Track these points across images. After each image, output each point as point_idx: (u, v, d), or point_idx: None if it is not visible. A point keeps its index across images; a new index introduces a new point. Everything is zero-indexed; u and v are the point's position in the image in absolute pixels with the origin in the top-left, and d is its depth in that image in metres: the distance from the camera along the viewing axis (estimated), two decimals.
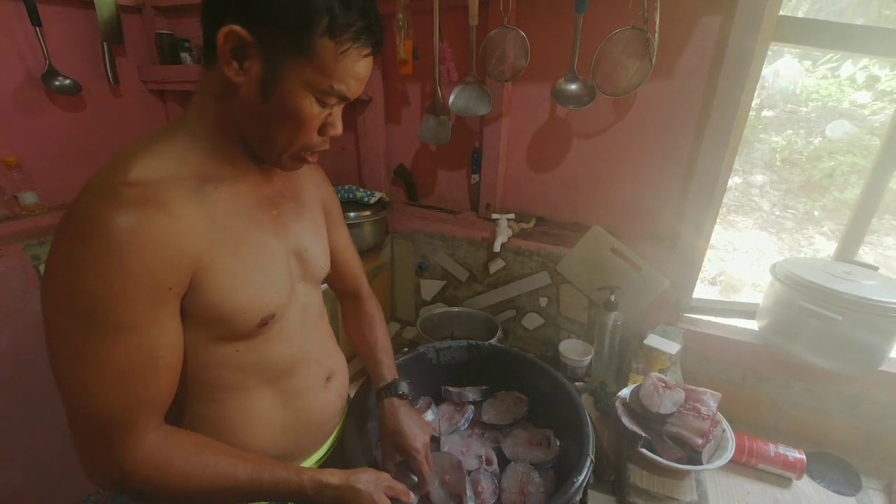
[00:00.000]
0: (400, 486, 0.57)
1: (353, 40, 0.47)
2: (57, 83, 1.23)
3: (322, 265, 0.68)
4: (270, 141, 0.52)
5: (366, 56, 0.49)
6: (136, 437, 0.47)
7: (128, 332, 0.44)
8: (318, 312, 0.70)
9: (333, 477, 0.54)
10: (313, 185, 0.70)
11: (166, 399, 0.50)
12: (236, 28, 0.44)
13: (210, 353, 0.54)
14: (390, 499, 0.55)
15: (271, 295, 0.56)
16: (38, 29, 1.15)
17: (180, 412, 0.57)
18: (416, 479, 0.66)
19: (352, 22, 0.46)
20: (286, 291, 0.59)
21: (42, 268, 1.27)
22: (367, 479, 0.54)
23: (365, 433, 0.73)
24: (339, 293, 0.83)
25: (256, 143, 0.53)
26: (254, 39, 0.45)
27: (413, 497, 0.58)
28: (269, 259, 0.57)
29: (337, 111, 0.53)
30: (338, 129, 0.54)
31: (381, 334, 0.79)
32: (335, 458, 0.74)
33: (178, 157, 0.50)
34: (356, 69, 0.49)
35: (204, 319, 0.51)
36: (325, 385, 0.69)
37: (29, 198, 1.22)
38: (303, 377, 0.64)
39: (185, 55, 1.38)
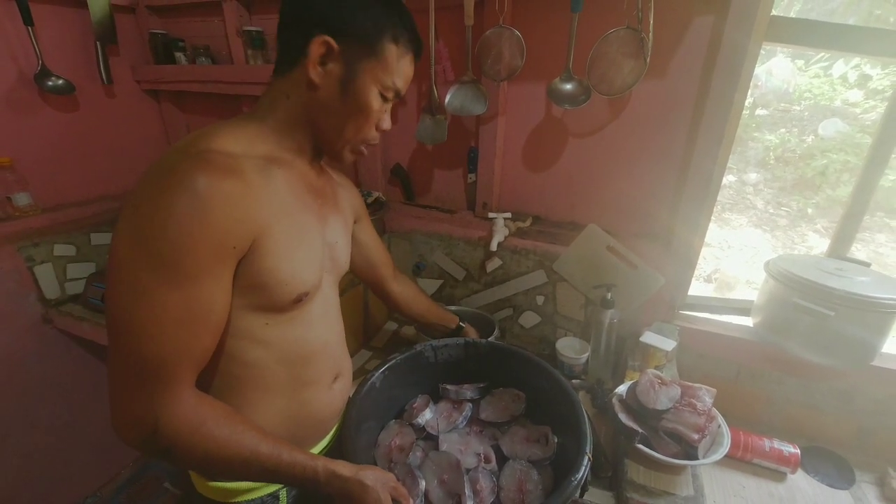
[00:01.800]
0: (403, 490, 0.59)
1: (408, 45, 0.59)
2: (50, 83, 1.22)
3: (345, 262, 0.73)
4: (340, 132, 0.60)
5: (411, 60, 0.61)
6: (175, 389, 0.49)
7: (192, 282, 0.47)
8: (338, 310, 0.74)
9: (345, 469, 0.56)
10: (349, 196, 0.79)
11: (206, 357, 0.52)
12: (328, 38, 0.54)
13: (241, 321, 0.56)
14: (393, 499, 0.57)
15: (309, 273, 0.60)
16: (30, 28, 1.14)
17: None
18: (420, 480, 0.67)
19: (408, 31, 0.59)
20: (318, 275, 0.63)
21: (36, 269, 1.26)
22: (375, 477, 0.57)
23: (364, 432, 0.73)
24: (374, 280, 0.91)
25: (327, 133, 0.61)
26: (339, 48, 0.55)
27: (412, 502, 0.59)
28: (311, 240, 0.61)
29: (387, 110, 0.63)
30: (387, 124, 0.64)
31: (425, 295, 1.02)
32: (333, 455, 0.74)
33: (249, 140, 0.57)
34: (407, 69, 0.61)
35: (249, 285, 0.54)
36: (331, 384, 0.70)
37: (22, 199, 1.21)
38: (315, 369, 0.66)
39: (179, 55, 1.38)
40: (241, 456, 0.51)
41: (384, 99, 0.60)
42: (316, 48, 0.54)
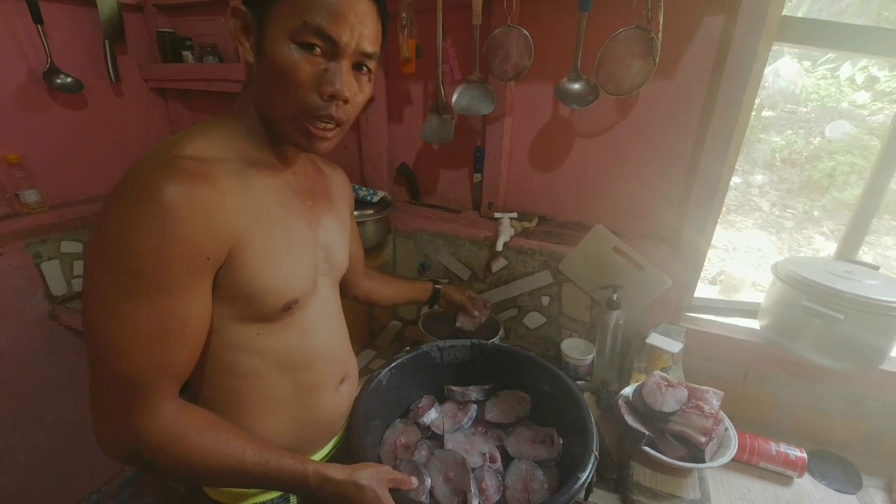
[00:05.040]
0: (401, 476, 0.57)
1: None
2: (59, 81, 1.23)
3: (342, 262, 0.71)
4: (272, 107, 0.51)
5: None
6: (154, 403, 0.47)
7: (163, 295, 0.45)
8: (338, 311, 0.72)
9: (337, 472, 0.54)
10: (343, 188, 0.75)
11: (186, 370, 0.50)
12: (237, 5, 0.48)
13: (232, 332, 0.55)
14: (394, 489, 0.56)
15: (297, 280, 0.58)
16: (39, 27, 1.15)
17: (192, 395, 0.58)
18: (426, 478, 0.66)
19: None
20: (310, 280, 0.61)
21: (44, 266, 1.27)
22: (370, 475, 0.55)
23: (370, 430, 0.73)
24: (346, 277, 0.84)
25: (266, 115, 0.53)
26: (249, 10, 0.49)
27: (415, 481, 0.58)
28: (299, 245, 0.59)
29: (335, 68, 0.49)
30: (335, 84, 0.49)
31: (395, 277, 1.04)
32: (340, 457, 0.74)
33: (225, 142, 0.53)
34: (328, 0, 0.46)
35: (232, 296, 0.52)
36: (338, 387, 0.70)
37: (30, 196, 1.22)
38: (319, 374, 0.65)
39: (186, 53, 1.38)
40: (225, 465, 0.50)
41: (305, 48, 0.47)
42: (231, 21, 0.49)
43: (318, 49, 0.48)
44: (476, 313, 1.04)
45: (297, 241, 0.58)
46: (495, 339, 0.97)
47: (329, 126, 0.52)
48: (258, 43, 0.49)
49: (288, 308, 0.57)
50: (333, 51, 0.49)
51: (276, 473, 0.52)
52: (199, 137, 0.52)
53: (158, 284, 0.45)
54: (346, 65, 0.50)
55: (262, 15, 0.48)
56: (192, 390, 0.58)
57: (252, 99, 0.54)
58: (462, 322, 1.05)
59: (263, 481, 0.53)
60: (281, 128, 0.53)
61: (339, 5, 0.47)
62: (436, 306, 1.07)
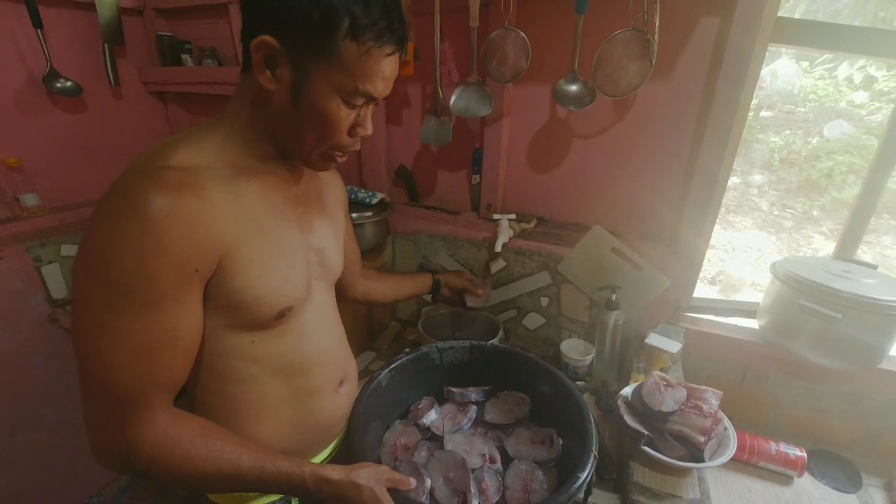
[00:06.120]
0: (399, 476, 0.57)
1: (375, 40, 0.48)
2: (58, 85, 1.24)
3: (337, 265, 0.70)
4: (301, 142, 0.55)
5: (389, 55, 0.50)
6: (146, 415, 0.47)
7: (152, 308, 0.45)
8: (335, 314, 0.72)
9: (334, 472, 0.54)
10: (336, 190, 0.74)
11: (179, 381, 0.50)
12: (266, 38, 0.47)
13: (226, 341, 0.55)
14: (392, 489, 0.55)
15: (290, 287, 0.57)
16: (39, 31, 1.15)
17: (190, 402, 0.58)
18: (426, 478, 0.66)
19: (374, 21, 0.47)
20: (304, 286, 0.61)
21: (44, 269, 1.27)
22: (368, 474, 0.55)
23: (370, 432, 0.73)
24: (344, 279, 0.83)
25: (288, 143, 0.56)
26: (282, 47, 0.47)
27: (413, 481, 0.58)
28: (291, 252, 0.58)
29: (366, 111, 0.55)
30: (367, 129, 0.56)
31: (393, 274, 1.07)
32: (340, 460, 0.74)
33: (215, 150, 0.53)
34: (381, 69, 0.50)
35: (224, 305, 0.52)
36: (337, 389, 0.70)
37: (30, 199, 1.22)
38: (317, 377, 0.65)
39: (185, 57, 1.39)
40: (221, 472, 0.50)
41: (350, 106, 0.52)
42: (256, 51, 0.48)
43: (359, 104, 0.53)
44: (480, 291, 1.07)
45: (289, 248, 0.58)
46: (494, 341, 0.97)
47: (346, 155, 0.58)
48: (297, 85, 0.49)
49: (282, 315, 0.57)
50: (369, 102, 0.54)
51: (273, 477, 0.52)
52: (186, 145, 0.51)
53: (147, 298, 0.44)
54: (372, 108, 0.56)
55: (305, 60, 0.48)
56: (189, 397, 0.58)
57: (265, 123, 0.54)
58: (472, 302, 1.07)
59: (260, 486, 0.52)
60: (304, 156, 0.56)
61: (389, 73, 0.52)
62: (439, 300, 1.08)
